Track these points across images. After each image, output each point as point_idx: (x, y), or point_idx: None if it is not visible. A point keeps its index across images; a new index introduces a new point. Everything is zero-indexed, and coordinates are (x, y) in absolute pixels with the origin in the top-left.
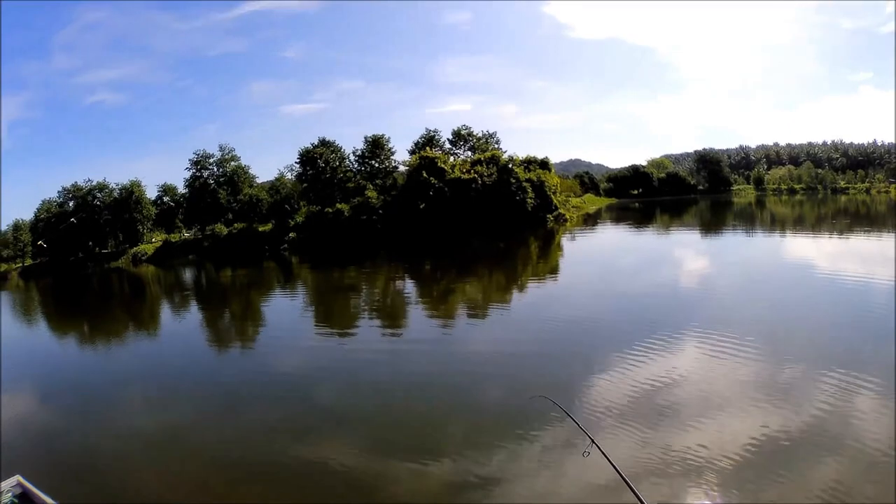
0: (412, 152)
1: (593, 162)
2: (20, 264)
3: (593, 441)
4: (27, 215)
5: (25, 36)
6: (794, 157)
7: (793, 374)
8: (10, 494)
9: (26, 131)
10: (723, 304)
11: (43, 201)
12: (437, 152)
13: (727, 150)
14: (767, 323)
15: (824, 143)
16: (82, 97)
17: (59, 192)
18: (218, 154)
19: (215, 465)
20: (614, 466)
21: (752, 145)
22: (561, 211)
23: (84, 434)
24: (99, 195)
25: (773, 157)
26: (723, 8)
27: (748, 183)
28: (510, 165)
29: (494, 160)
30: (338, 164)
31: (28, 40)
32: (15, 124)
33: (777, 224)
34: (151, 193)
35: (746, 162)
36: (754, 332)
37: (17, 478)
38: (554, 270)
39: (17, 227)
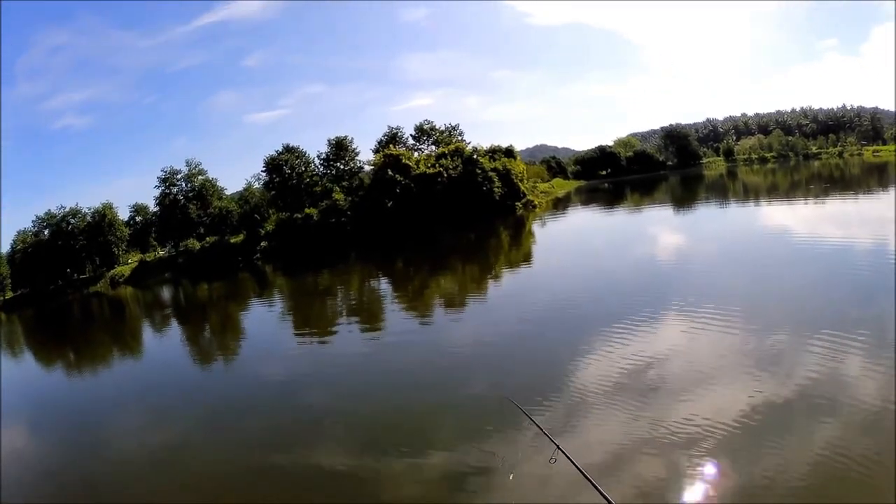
0: (376, 151)
1: (559, 146)
2: (1, 298)
3: (558, 447)
4: (3, 248)
5: None
6: (764, 126)
7: (780, 339)
8: None
9: None
10: (703, 278)
11: (18, 232)
12: (400, 149)
13: (694, 124)
14: (750, 292)
15: (793, 111)
16: (50, 122)
17: (33, 221)
18: (185, 169)
19: (211, 481)
20: (580, 471)
21: (720, 118)
22: (529, 197)
23: (79, 464)
24: (73, 221)
25: (742, 127)
26: None
27: (718, 155)
28: (475, 156)
29: (459, 152)
30: (303, 169)
31: None
32: None
33: (750, 193)
34: (124, 214)
35: (715, 134)
36: (737, 302)
37: None
38: (527, 257)
39: None
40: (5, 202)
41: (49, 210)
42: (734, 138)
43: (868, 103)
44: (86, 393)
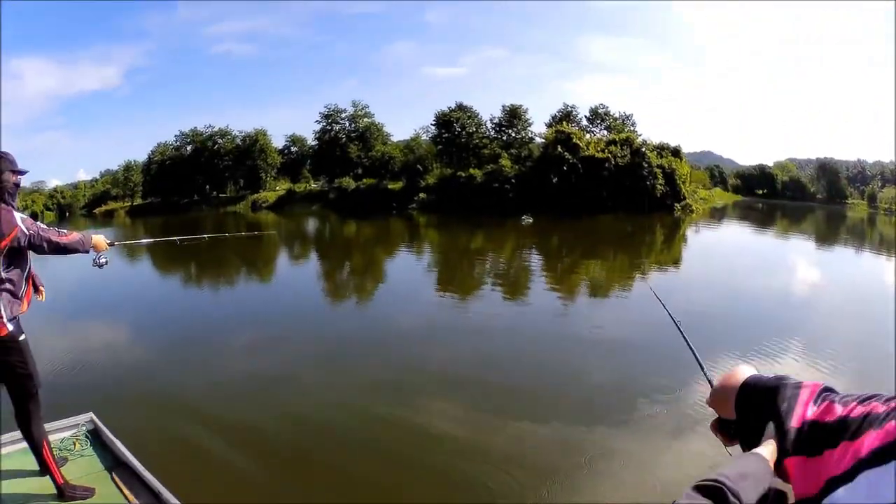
0: (548, 125)
1: (724, 156)
2: (129, 203)
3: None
4: (140, 157)
5: None
6: None
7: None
8: (84, 429)
9: (145, 78)
10: (827, 321)
11: (159, 143)
12: (573, 128)
13: (845, 161)
14: (864, 349)
15: None
16: (207, 46)
17: (176, 135)
18: (351, 109)
19: (308, 420)
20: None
21: (870, 160)
22: (689, 201)
23: (170, 377)
24: (220, 141)
25: (888, 175)
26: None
27: (862, 198)
28: (643, 149)
29: (628, 142)
30: (474, 129)
31: None
32: (134, 71)
33: (884, 245)
34: (279, 143)
35: (862, 176)
36: (852, 355)
37: (91, 415)
38: (676, 261)
39: (128, 167)
40: (150, 119)
41: (195, 127)
42: (880, 185)
43: None
44: (197, 307)
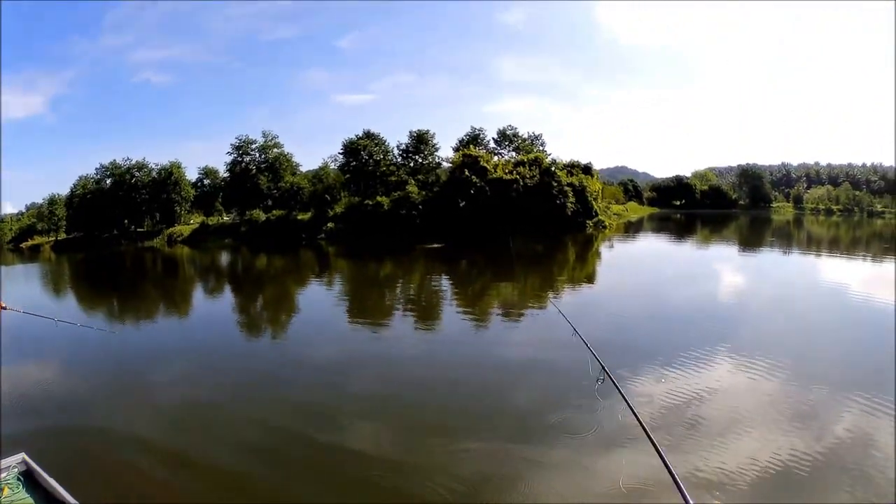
0: (456, 150)
1: (639, 170)
2: (54, 238)
3: (604, 368)
4: (63, 190)
5: (76, 10)
6: (834, 177)
7: (820, 396)
8: (15, 471)
9: (69, 108)
10: (757, 322)
11: (80, 177)
12: (480, 151)
13: (769, 166)
14: (799, 343)
15: (864, 166)
16: (129, 76)
17: (97, 168)
18: (261, 140)
19: (239, 448)
20: (623, 395)
21: (794, 163)
22: (601, 217)
23: (98, 411)
24: (137, 174)
25: (814, 176)
26: (782, 17)
27: (787, 201)
28: (553, 168)
29: (537, 162)
30: (381, 157)
31: (78, 17)
32: (58, 100)
33: (813, 244)
34: (192, 175)
35: (787, 179)
36: (785, 352)
37: (23, 455)
38: (590, 278)
39: (52, 201)
40: (73, 148)
41: (114, 160)
42: (805, 186)
43: None
44: (120, 341)
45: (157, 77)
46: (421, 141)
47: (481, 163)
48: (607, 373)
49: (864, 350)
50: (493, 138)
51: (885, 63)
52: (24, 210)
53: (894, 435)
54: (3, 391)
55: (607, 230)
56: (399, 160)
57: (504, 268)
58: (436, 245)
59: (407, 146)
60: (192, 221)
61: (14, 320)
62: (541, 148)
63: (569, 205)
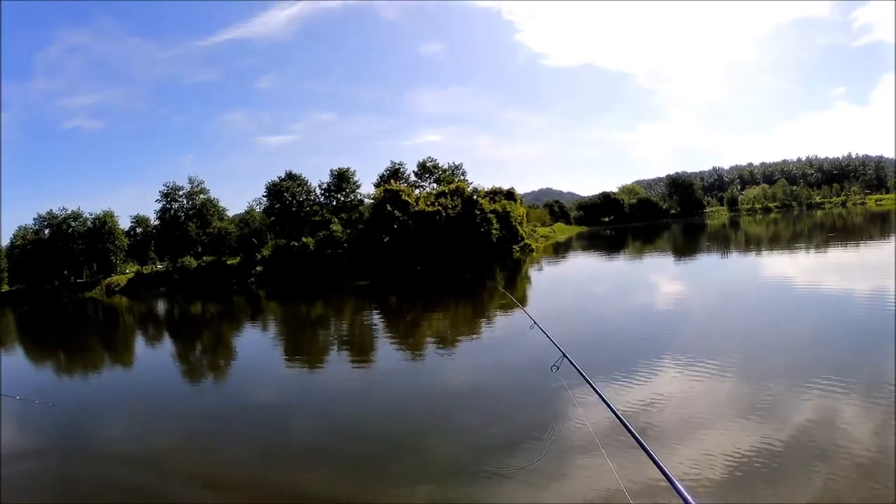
0: (377, 185)
1: (565, 190)
2: None
3: (564, 355)
4: (3, 241)
5: (7, 53)
6: (769, 175)
7: (776, 386)
8: None
9: (5, 154)
10: (700, 327)
11: (19, 227)
12: (401, 185)
13: (700, 172)
14: (747, 341)
15: (799, 160)
16: (60, 122)
17: (34, 218)
18: (188, 186)
19: (192, 492)
20: (583, 376)
21: (726, 166)
22: (527, 241)
23: (59, 461)
24: (73, 224)
25: (747, 177)
26: (698, 30)
27: (722, 204)
28: (475, 197)
29: (459, 192)
30: (304, 197)
31: (9, 58)
32: None
33: (752, 243)
34: (125, 223)
35: (720, 183)
36: (734, 351)
37: None
38: (521, 300)
39: None
40: (7, 194)
41: (51, 210)
42: (739, 188)
43: (873, 152)
44: (72, 395)
45: (88, 123)
46: (342, 179)
47: (403, 197)
48: (567, 357)
49: (816, 338)
50: (414, 171)
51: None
52: None
53: (895, 429)
54: None
55: (534, 253)
56: (322, 199)
57: (433, 299)
58: (363, 283)
59: (329, 185)
60: (127, 271)
61: None
62: (462, 177)
63: (493, 231)
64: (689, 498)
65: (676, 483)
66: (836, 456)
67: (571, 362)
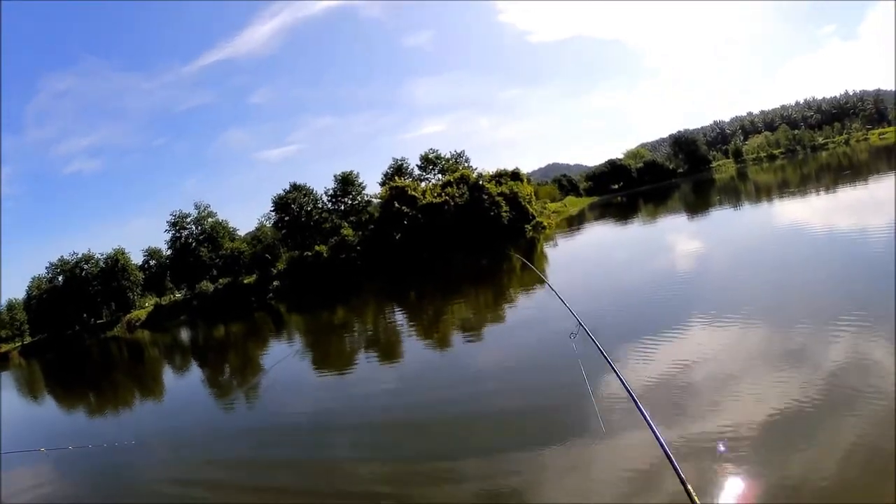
0: (382, 184)
1: (571, 163)
2: (19, 343)
3: (580, 323)
4: (19, 294)
5: None
6: (770, 122)
7: (804, 333)
8: None
9: (10, 206)
10: (722, 282)
11: (33, 278)
12: (406, 181)
13: (702, 128)
14: (770, 290)
15: (797, 104)
16: (60, 168)
17: (46, 267)
18: (195, 212)
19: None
20: (602, 352)
21: (727, 119)
22: (539, 219)
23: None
24: (86, 266)
25: (749, 126)
26: None
27: (727, 157)
28: (480, 182)
29: (464, 179)
30: (311, 206)
31: None
32: None
33: (762, 192)
34: (138, 258)
35: (723, 137)
36: (759, 302)
37: None
38: (541, 279)
39: (10, 306)
40: (20, 249)
41: (62, 256)
42: (742, 138)
43: (870, 87)
44: (107, 434)
45: (87, 164)
46: (347, 182)
47: (409, 192)
48: (583, 326)
49: (837, 279)
50: (417, 165)
51: None
52: None
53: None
54: None
55: (547, 230)
56: (329, 206)
57: (453, 288)
58: (380, 282)
59: (335, 190)
60: (146, 304)
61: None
62: (466, 164)
63: (503, 214)
64: (685, 481)
65: (675, 463)
66: (868, 402)
67: (588, 332)
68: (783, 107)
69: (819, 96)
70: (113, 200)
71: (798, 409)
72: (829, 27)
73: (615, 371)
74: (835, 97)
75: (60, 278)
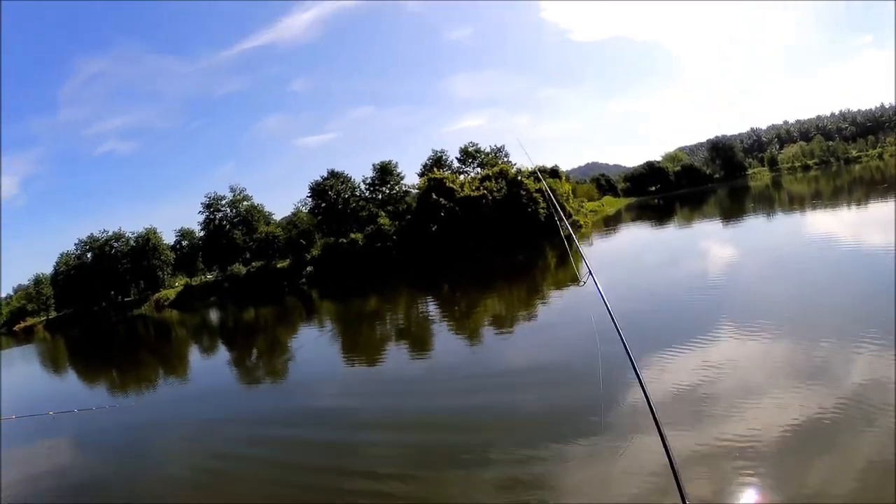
0: (421, 175)
1: (611, 163)
2: (45, 317)
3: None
4: (47, 269)
5: (30, 92)
6: (805, 132)
7: (828, 348)
8: None
9: (40, 186)
10: (752, 291)
11: (61, 254)
12: (445, 173)
13: (739, 134)
14: (797, 302)
15: (832, 115)
16: (92, 148)
17: (75, 244)
18: (230, 195)
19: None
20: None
21: (763, 126)
22: (575, 218)
23: (118, 484)
24: (116, 244)
25: (785, 135)
26: None
27: (762, 165)
28: (519, 178)
29: (503, 174)
30: (349, 194)
31: (33, 96)
32: (28, 180)
33: (795, 202)
34: (169, 238)
35: (759, 144)
36: (785, 313)
37: None
38: (575, 278)
39: (38, 281)
40: (49, 227)
41: (91, 234)
42: (777, 147)
43: None
44: (126, 412)
45: (120, 145)
46: (385, 172)
47: (447, 184)
48: (592, 276)
49: (864, 296)
50: (457, 157)
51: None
52: (11, 293)
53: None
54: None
55: (583, 229)
56: (367, 194)
57: (487, 283)
58: (415, 272)
59: (372, 179)
60: (176, 284)
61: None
62: (505, 159)
63: (540, 211)
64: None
65: (676, 470)
66: (888, 417)
67: (617, 328)
68: (818, 117)
69: (854, 108)
70: (145, 182)
71: (817, 422)
72: (866, 37)
73: (635, 370)
74: (870, 109)
75: (89, 255)
